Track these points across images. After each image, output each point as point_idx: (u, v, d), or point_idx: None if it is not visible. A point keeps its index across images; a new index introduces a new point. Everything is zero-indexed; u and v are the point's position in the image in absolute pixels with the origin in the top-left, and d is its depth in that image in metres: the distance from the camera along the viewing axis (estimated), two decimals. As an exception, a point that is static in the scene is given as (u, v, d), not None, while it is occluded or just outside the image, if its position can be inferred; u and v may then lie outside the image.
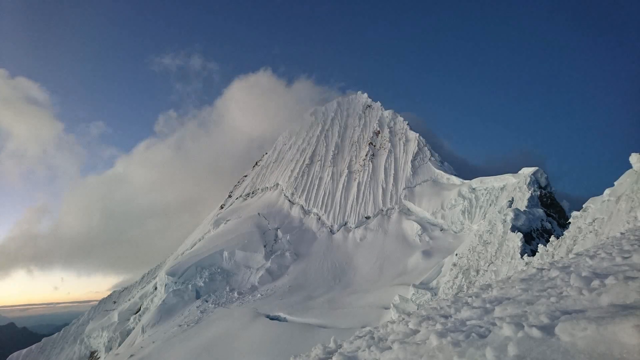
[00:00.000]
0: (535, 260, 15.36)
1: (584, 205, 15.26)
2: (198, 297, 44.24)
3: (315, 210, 61.74)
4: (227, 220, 62.59)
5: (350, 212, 59.24)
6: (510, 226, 24.00)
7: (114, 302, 63.03)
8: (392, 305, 27.78)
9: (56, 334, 62.41)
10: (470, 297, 6.17)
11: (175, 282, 45.31)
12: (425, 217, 52.40)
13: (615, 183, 12.80)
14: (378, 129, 73.64)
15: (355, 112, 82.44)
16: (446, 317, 4.94)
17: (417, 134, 69.09)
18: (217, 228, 61.21)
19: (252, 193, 76.52)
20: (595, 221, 13.10)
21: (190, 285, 45.30)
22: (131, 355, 33.52)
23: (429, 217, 51.86)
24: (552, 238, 16.07)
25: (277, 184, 72.21)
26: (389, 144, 69.09)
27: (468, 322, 4.00)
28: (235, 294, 43.49)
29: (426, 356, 3.17)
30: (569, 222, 15.94)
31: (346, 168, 68.57)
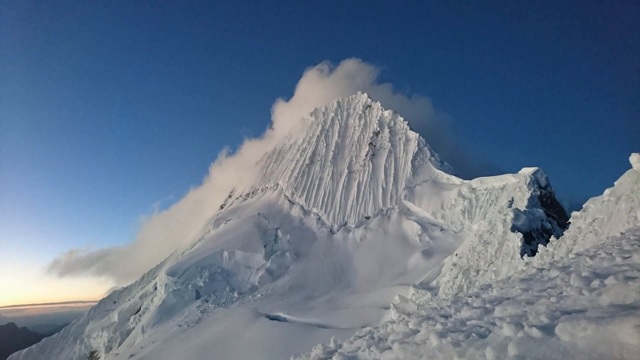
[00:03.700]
0: (535, 260, 15.36)
1: (584, 205, 15.26)
2: (198, 297, 44.23)
3: (315, 210, 61.72)
4: (227, 220, 62.58)
5: (350, 212, 59.22)
6: (510, 226, 24.00)
7: (114, 302, 62.95)
8: (392, 305, 27.76)
9: (56, 334, 62.30)
10: (470, 297, 6.17)
11: (175, 282, 45.29)
12: (425, 217, 52.38)
13: (615, 183, 12.79)
14: (378, 129, 73.60)
15: (355, 112, 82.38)
16: (446, 317, 4.94)
17: (417, 134, 69.07)
18: (217, 228, 61.20)
19: (252, 193, 76.51)
20: (595, 221, 13.09)
21: (190, 285, 45.29)
22: (131, 355, 33.52)
23: (429, 217, 51.85)
24: (552, 238, 16.06)
25: (277, 184, 72.19)
26: (389, 144, 69.06)
27: (468, 322, 4.00)
28: (235, 294, 43.47)
29: (426, 356, 3.17)
30: (569, 222, 15.93)
31: (346, 168, 68.54)
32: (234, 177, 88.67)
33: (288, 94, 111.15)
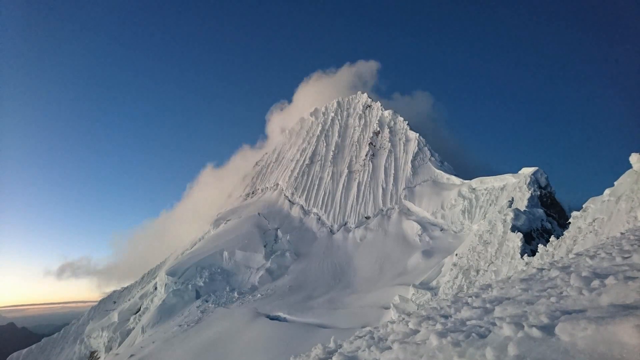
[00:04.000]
0: (535, 260, 15.37)
1: (584, 205, 15.26)
2: (198, 297, 44.23)
3: (315, 210, 61.73)
4: (227, 220, 62.58)
5: (350, 212, 59.23)
6: (510, 226, 24.00)
7: (114, 302, 62.95)
8: (392, 305, 27.77)
9: (56, 334, 62.36)
10: (470, 297, 6.18)
11: (175, 282, 45.30)
12: (425, 217, 52.39)
13: (615, 183, 12.80)
14: (378, 128, 73.61)
15: (355, 112, 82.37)
16: (446, 317, 4.94)
17: (417, 134, 69.08)
18: (217, 228, 61.20)
19: (252, 193, 76.51)
20: (595, 221, 13.09)
21: (190, 285, 45.29)
22: (131, 355, 33.53)
23: (429, 217, 51.85)
24: (552, 238, 16.07)
25: (277, 184, 72.20)
26: (389, 144, 69.06)
27: (468, 322, 4.01)
28: (235, 294, 43.48)
29: (426, 356, 3.17)
30: (569, 222, 15.93)
31: (346, 168, 68.55)
32: (221, 188, 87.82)
33: (285, 103, 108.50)
